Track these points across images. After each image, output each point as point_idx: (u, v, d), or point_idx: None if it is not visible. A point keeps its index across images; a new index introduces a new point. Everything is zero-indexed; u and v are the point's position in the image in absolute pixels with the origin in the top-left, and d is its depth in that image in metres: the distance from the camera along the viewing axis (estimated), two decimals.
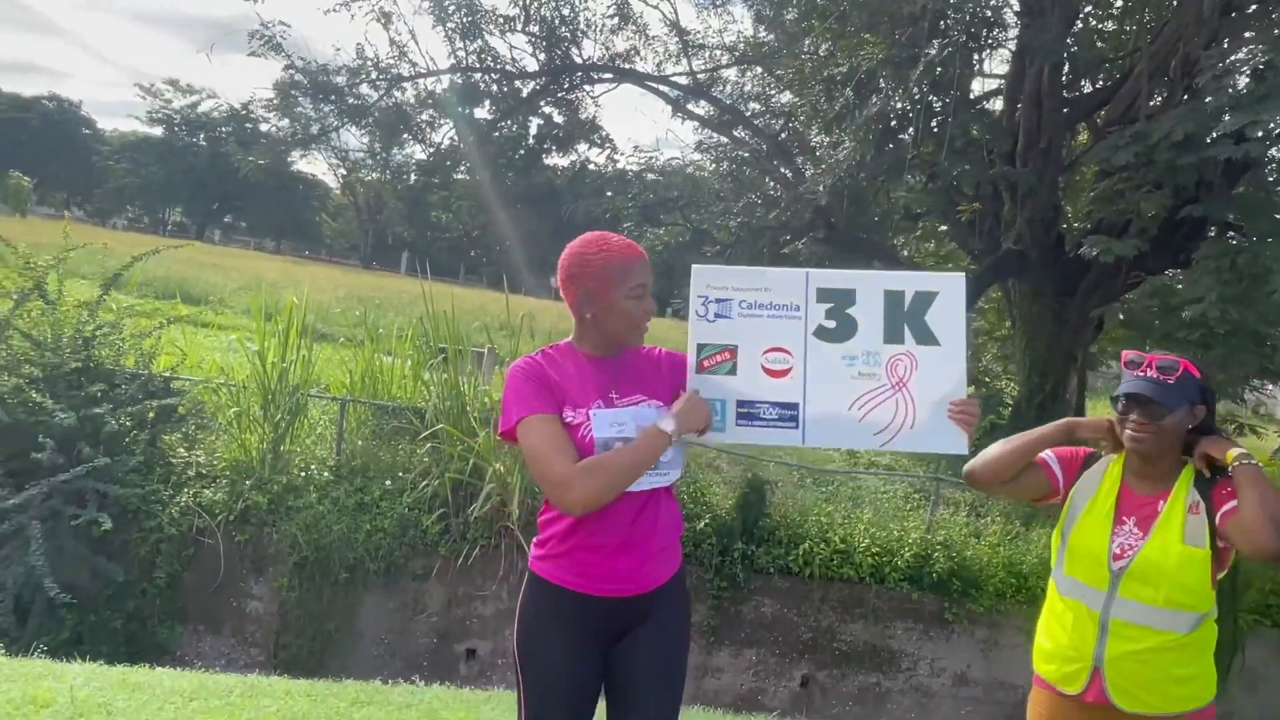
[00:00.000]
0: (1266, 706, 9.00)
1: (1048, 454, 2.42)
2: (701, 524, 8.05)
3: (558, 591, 2.08)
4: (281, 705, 3.65)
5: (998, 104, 11.77)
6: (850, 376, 2.18)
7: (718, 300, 2.20)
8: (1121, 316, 11.73)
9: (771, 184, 14.16)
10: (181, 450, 7.59)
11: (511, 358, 7.44)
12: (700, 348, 2.20)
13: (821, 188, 10.20)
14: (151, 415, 7.30)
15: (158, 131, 68.35)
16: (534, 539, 2.19)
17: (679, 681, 2.15)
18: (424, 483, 7.72)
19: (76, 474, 6.45)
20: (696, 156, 16.49)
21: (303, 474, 7.57)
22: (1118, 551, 2.26)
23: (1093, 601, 2.27)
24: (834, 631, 8.27)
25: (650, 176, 17.57)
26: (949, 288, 2.22)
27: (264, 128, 38.95)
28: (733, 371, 2.19)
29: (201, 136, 67.92)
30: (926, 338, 2.18)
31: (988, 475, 2.43)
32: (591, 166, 21.48)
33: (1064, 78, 10.64)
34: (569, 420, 2.07)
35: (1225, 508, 2.19)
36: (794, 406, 2.18)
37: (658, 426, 2.04)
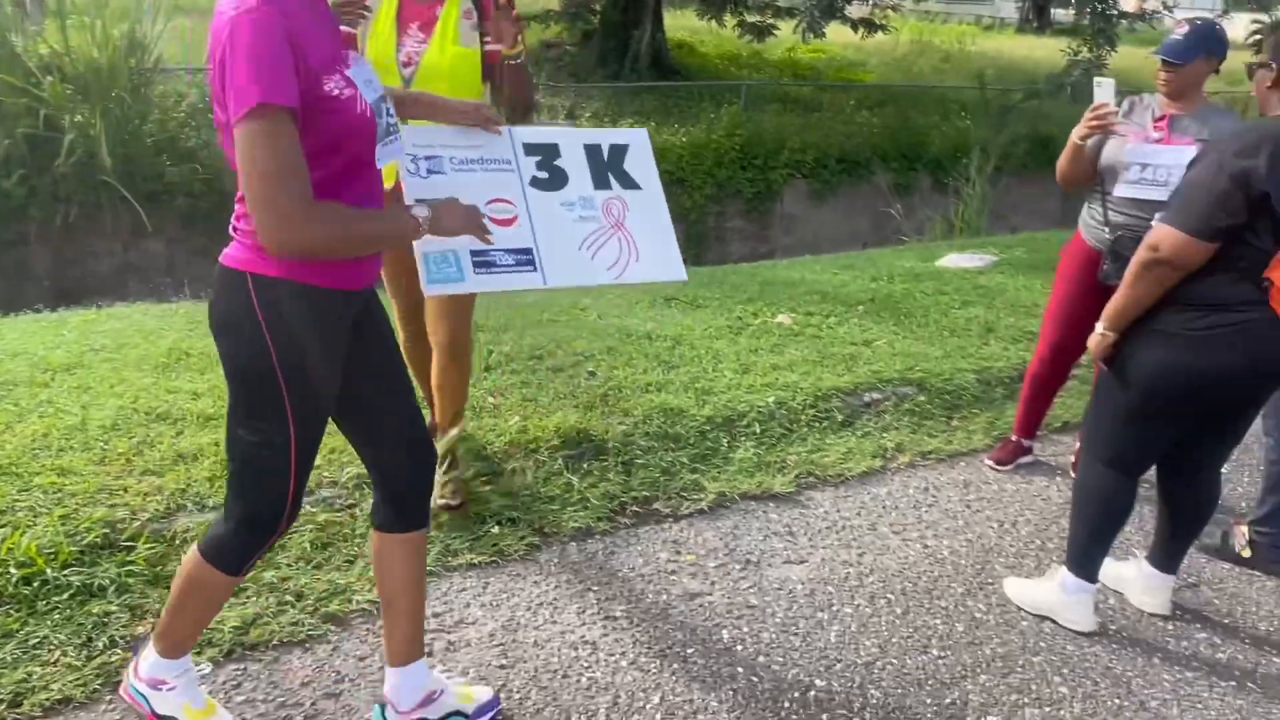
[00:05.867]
0: (796, 242, 11.78)
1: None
2: None
3: (319, 293, 1.70)
4: None
5: None
6: (572, 220, 2.30)
7: (427, 158, 2.14)
8: None
9: None
10: None
11: None
12: (418, 204, 1.92)
13: None
14: None
15: None
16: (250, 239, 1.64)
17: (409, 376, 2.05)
18: None
19: None
20: None
21: None
22: None
23: None
24: None
25: None
26: (636, 141, 2.47)
27: None
28: None
29: None
30: (629, 183, 2.42)
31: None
32: None
33: None
34: (331, 92, 1.56)
35: None
36: (528, 251, 2.21)
37: (413, 213, 1.74)
